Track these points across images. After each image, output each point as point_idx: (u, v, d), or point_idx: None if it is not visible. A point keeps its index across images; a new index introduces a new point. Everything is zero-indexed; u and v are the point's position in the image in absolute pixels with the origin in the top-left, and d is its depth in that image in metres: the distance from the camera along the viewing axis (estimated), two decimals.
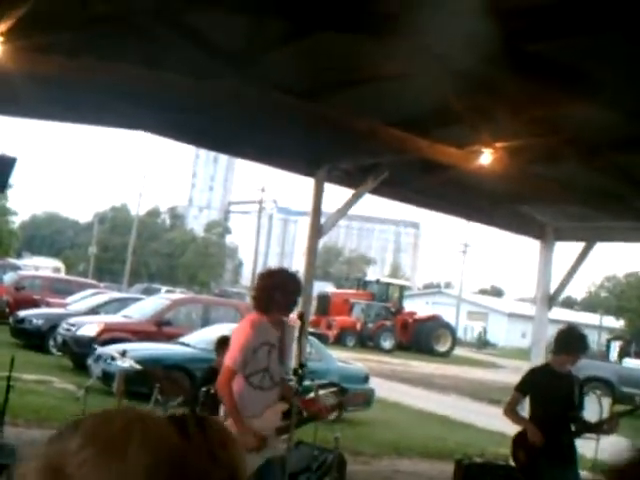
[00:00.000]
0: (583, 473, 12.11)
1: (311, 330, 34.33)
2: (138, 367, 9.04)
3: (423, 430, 14.87)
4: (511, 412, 7.02)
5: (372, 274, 61.28)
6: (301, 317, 5.91)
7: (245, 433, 5.21)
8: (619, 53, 6.21)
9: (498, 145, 8.60)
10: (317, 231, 11.61)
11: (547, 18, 5.92)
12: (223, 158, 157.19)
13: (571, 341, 7.10)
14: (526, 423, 6.88)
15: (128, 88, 8.35)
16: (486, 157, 8.72)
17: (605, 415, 12.59)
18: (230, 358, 5.44)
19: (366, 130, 8.99)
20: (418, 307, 52.50)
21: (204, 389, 7.67)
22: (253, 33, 7.18)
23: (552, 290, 12.29)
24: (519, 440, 6.89)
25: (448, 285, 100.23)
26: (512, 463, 7.41)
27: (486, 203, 11.83)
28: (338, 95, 8.37)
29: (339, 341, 38.52)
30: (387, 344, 40.80)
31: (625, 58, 6.26)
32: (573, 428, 6.97)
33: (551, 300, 12.26)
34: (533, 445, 6.68)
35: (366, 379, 15.56)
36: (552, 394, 6.86)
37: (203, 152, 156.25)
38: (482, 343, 60.24)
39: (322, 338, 33.43)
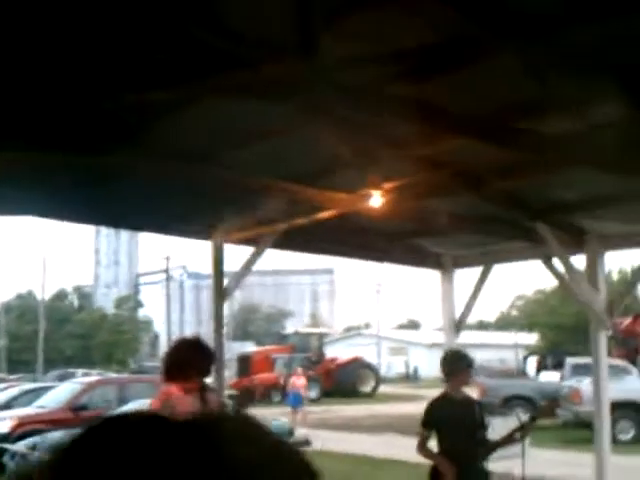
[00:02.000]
0: None
1: (234, 392, 34.34)
2: None
3: (345, 474, 14.90)
4: (422, 449, 7.18)
5: (292, 326, 61.16)
6: (202, 388, 5.79)
7: None
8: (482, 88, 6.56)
9: (386, 186, 8.89)
10: (221, 294, 11.68)
11: (416, 61, 6.21)
12: (125, 232, 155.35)
13: (455, 363, 7.34)
14: (436, 457, 7.05)
15: (12, 172, 8.30)
16: (376, 199, 9.00)
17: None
18: None
19: (258, 187, 9.19)
20: (340, 351, 52.63)
21: None
22: (140, 103, 7.26)
23: (458, 316, 12.65)
24: (433, 475, 7.06)
25: (367, 325, 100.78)
26: None
27: (383, 242, 12.12)
28: (228, 156, 8.51)
29: (265, 399, 38.28)
30: (312, 394, 40.64)
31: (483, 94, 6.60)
32: (484, 450, 7.17)
33: (458, 326, 12.60)
34: (445, 476, 6.87)
35: (290, 433, 15.63)
36: (454, 422, 7.06)
37: (104, 227, 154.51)
38: (407, 377, 60.64)
39: (247, 398, 33.31)
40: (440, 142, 8.02)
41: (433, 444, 7.29)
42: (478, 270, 12.81)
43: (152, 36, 5.72)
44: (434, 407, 7.36)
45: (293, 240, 11.67)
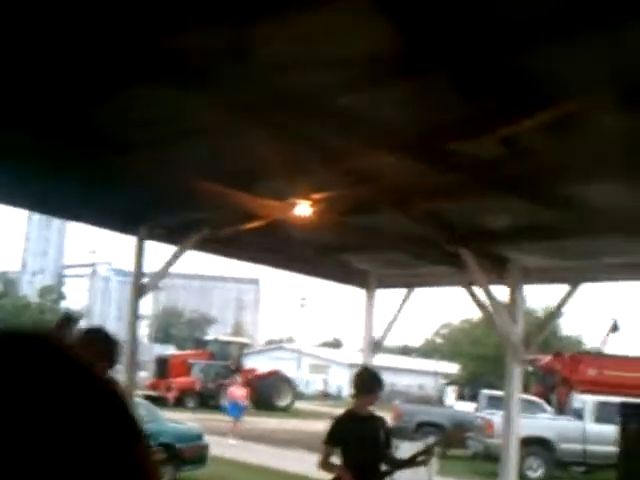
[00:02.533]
0: None
1: (150, 393, 33.92)
2: None
3: None
4: (325, 465, 7.13)
5: (214, 333, 60.79)
6: None
7: None
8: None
9: (315, 197, 8.83)
10: (139, 291, 11.49)
11: (354, 71, 6.14)
12: (56, 221, 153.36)
13: (367, 382, 7.33)
14: (337, 469, 7.00)
15: None
16: (303, 208, 8.94)
17: (435, 461, 12.96)
18: None
19: (186, 185, 9.03)
20: (261, 364, 52.42)
21: None
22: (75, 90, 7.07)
23: (377, 336, 12.63)
24: None
25: (290, 340, 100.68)
26: None
27: (310, 254, 12.03)
28: (157, 150, 8.33)
29: (179, 403, 37.92)
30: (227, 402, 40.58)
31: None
32: (387, 467, 7.13)
33: (376, 346, 12.57)
34: None
35: (199, 437, 15.47)
36: (358, 438, 7.01)
37: (36, 215, 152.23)
38: (326, 395, 60.65)
39: (161, 401, 32.89)
40: (371, 157, 7.98)
41: (336, 461, 7.22)
42: (402, 293, 12.81)
43: (82, 27, 5.58)
44: (339, 423, 7.30)
45: (217, 244, 11.51)
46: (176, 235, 11.17)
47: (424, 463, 7.17)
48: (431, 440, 7.39)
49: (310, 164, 8.19)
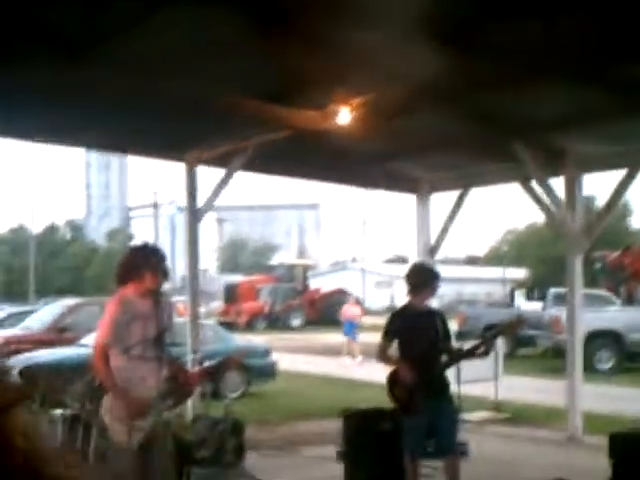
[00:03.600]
0: (487, 413, 12.55)
1: (221, 319, 34.62)
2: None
3: (328, 394, 15.09)
4: (382, 357, 7.22)
5: (280, 259, 61.35)
6: (157, 293, 5.65)
7: (126, 403, 5.29)
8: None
9: (354, 101, 8.71)
10: (195, 215, 11.62)
11: None
12: (115, 164, 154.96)
13: (422, 277, 7.34)
14: (396, 362, 7.07)
15: None
16: (344, 115, 8.83)
17: (500, 358, 13.03)
18: (100, 335, 5.51)
19: (227, 105, 9.00)
20: (326, 284, 52.83)
21: (88, 377, 7.64)
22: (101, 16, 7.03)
23: (432, 242, 12.58)
24: (393, 378, 7.07)
25: (354, 260, 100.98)
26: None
27: (358, 165, 11.95)
28: (195, 74, 8.29)
29: (250, 326, 38.67)
30: (296, 322, 41.38)
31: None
32: (446, 359, 7.18)
33: (432, 251, 12.52)
34: (406, 382, 6.86)
35: (267, 353, 15.80)
36: (415, 331, 7.07)
37: (94, 160, 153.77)
38: (390, 309, 61.01)
39: (232, 326, 33.56)
40: (410, 55, 7.83)
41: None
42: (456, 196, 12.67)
43: None
44: (396, 317, 7.37)
45: (264, 162, 11.51)
46: (224, 158, 11.20)
47: (484, 354, 7.17)
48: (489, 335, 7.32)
49: (347, 69, 8.08)
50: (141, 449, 5.35)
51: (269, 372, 15.50)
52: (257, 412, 12.48)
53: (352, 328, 24.55)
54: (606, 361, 20.20)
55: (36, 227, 70.75)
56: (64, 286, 77.84)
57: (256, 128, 10.04)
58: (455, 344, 7.86)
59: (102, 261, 78.91)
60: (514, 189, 11.50)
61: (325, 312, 43.01)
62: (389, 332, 7.21)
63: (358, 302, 36.21)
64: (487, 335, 7.26)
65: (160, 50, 7.77)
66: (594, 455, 8.96)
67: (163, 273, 5.59)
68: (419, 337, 7.05)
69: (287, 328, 39.88)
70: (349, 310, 26.24)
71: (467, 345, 7.67)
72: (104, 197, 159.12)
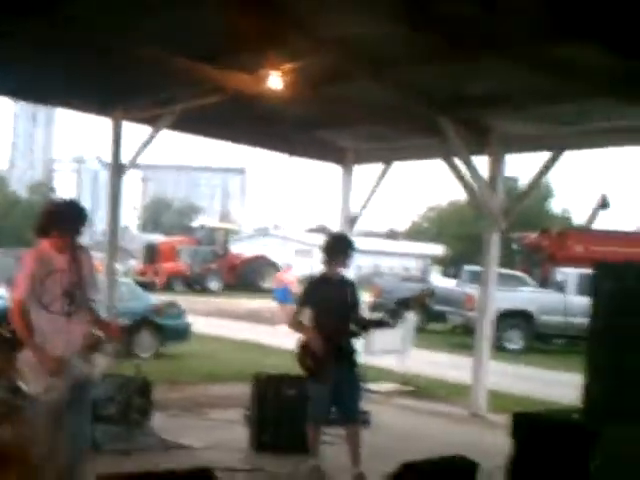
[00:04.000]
0: (393, 385, 12.73)
1: (140, 279, 34.27)
2: None
3: (241, 358, 15.13)
4: (294, 323, 7.31)
5: (202, 222, 60.93)
6: (74, 247, 5.56)
7: (44, 358, 5.24)
8: None
9: (286, 67, 8.65)
10: (118, 170, 11.47)
11: None
12: (41, 116, 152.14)
13: (337, 247, 7.41)
14: (307, 331, 7.14)
15: None
16: (275, 80, 8.76)
17: (410, 331, 13.22)
18: (17, 290, 5.42)
19: (156, 62, 8.86)
20: (248, 249, 52.74)
21: None
22: None
23: (353, 213, 12.66)
24: (303, 347, 7.15)
25: (276, 227, 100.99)
26: None
27: (288, 132, 11.92)
28: (126, 29, 8.14)
29: (168, 287, 38.39)
30: (214, 285, 41.15)
31: None
32: (355, 328, 7.28)
33: (353, 222, 12.60)
34: (317, 351, 6.97)
35: (181, 314, 15.80)
36: (328, 300, 7.16)
37: (22, 111, 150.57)
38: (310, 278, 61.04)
39: (150, 286, 33.28)
40: (343, 23, 7.80)
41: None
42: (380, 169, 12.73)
43: None
44: (311, 285, 7.46)
45: (191, 122, 11.39)
46: (150, 116, 11.07)
47: (390, 325, 7.30)
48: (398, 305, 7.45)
49: (281, 34, 8.03)
50: (58, 405, 5.30)
51: (183, 334, 15.45)
52: (168, 373, 12.43)
53: (287, 294, 24.20)
54: (516, 341, 20.66)
55: None
56: None
57: (185, 88, 9.94)
58: (367, 315, 7.96)
59: (23, 213, 77.25)
60: (438, 164, 11.61)
61: (244, 277, 43.05)
62: (303, 300, 7.27)
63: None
64: (395, 307, 7.37)
65: (93, 2, 7.64)
66: (496, 433, 9.17)
67: (81, 228, 5.52)
68: (332, 306, 7.14)
69: (205, 291, 39.73)
70: (284, 277, 26.15)
71: (377, 316, 7.80)
72: (29, 149, 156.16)
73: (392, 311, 7.46)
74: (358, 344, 7.61)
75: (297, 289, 23.59)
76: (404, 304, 7.37)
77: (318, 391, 7.11)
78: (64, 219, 5.47)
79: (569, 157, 10.71)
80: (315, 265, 45.61)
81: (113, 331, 5.82)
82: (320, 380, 7.04)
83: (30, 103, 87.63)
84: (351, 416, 7.29)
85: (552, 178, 57.97)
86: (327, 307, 7.11)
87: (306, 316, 7.31)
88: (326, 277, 7.32)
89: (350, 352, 7.29)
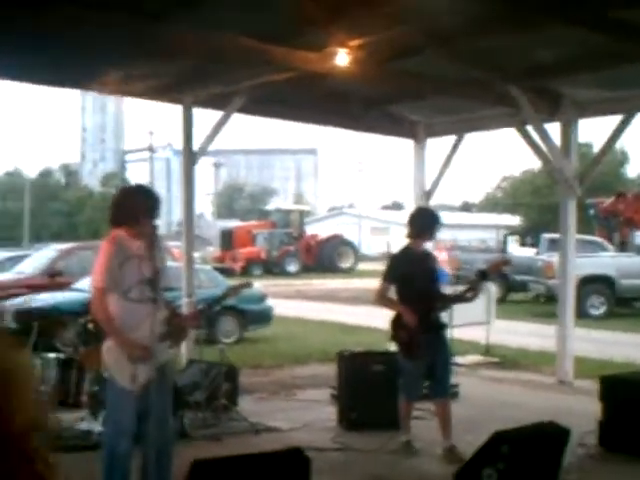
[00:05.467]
0: (478, 357, 12.68)
1: (217, 265, 34.63)
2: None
3: (323, 338, 15.20)
4: (382, 299, 7.28)
5: (276, 205, 61.28)
6: (150, 234, 5.61)
7: (128, 346, 5.28)
8: None
9: (353, 44, 8.62)
10: (191, 157, 11.57)
11: None
12: (110, 107, 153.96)
13: (424, 221, 7.38)
14: (398, 306, 7.12)
15: None
16: (342, 57, 8.74)
17: (492, 303, 13.13)
18: (96, 279, 5.41)
19: (222, 46, 8.90)
20: (323, 230, 52.91)
21: (81, 320, 7.68)
22: None
23: (427, 187, 12.58)
24: (397, 322, 7.11)
25: (351, 205, 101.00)
26: (392, 349, 7.79)
27: (357, 108, 11.88)
28: (194, 15, 8.19)
29: (246, 272, 38.69)
30: (292, 268, 41.35)
31: None
32: (440, 302, 7.27)
33: (427, 196, 12.53)
34: (410, 325, 6.95)
35: (262, 298, 15.82)
36: (415, 275, 7.13)
37: (89, 103, 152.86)
38: (386, 255, 61.04)
39: (228, 272, 33.61)
40: None
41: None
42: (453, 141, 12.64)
43: None
44: (396, 261, 7.42)
45: (261, 104, 11.44)
46: (221, 100, 11.12)
47: (472, 299, 7.22)
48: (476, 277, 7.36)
49: (346, 10, 8.00)
50: (143, 392, 5.34)
51: (265, 317, 15.57)
52: (252, 357, 12.58)
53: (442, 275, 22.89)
54: (598, 306, 20.33)
55: (31, 171, 70.48)
56: (58, 231, 77.87)
57: (253, 69, 9.95)
58: (448, 288, 7.92)
59: (96, 206, 78.71)
60: (511, 135, 11.47)
61: (322, 258, 43.18)
62: (389, 275, 7.25)
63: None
64: (475, 279, 7.31)
65: None
66: (584, 398, 9.11)
67: (156, 214, 5.53)
68: (418, 280, 7.13)
69: (283, 274, 39.95)
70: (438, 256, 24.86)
71: (459, 289, 7.75)
72: (99, 141, 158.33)
73: (472, 282, 7.34)
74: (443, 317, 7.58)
75: (450, 269, 22.98)
76: (482, 275, 7.28)
77: (412, 367, 7.12)
78: (135, 205, 5.48)
79: None
80: (392, 242, 45.72)
81: (190, 319, 5.87)
82: (415, 355, 7.03)
83: (100, 94, 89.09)
84: (443, 390, 7.30)
85: (628, 143, 56.80)
86: (414, 281, 7.10)
87: (392, 292, 7.30)
88: (410, 251, 7.30)
89: (440, 326, 7.28)
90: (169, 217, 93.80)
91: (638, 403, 7.04)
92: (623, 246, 24.11)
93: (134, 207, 5.44)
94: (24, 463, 1.27)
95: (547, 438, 6.13)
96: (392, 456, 7.14)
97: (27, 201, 65.67)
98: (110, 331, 5.38)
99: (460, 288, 7.64)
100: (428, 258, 7.37)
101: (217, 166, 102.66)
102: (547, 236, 24.33)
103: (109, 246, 5.43)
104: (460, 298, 7.31)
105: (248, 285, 6.12)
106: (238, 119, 11.66)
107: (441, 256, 24.31)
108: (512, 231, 40.47)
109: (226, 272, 31.05)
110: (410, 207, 12.11)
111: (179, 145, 11.97)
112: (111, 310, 5.34)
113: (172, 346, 5.66)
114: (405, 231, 7.46)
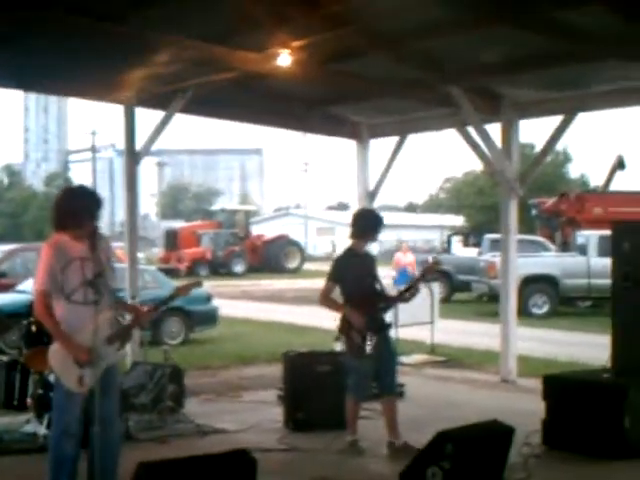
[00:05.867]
0: (423, 356, 12.78)
1: (162, 266, 34.42)
2: None
3: (270, 339, 15.18)
4: (326, 300, 7.29)
5: (222, 205, 61.14)
6: (92, 235, 5.54)
7: (73, 349, 5.22)
8: None
9: (295, 45, 8.63)
10: (133, 157, 11.45)
11: None
12: (53, 108, 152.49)
13: (367, 221, 7.45)
14: (342, 308, 7.16)
15: None
16: (284, 58, 8.76)
17: (436, 303, 13.26)
18: (38, 282, 5.36)
19: (167, 46, 8.87)
20: (269, 230, 52.89)
21: (24, 322, 7.57)
22: None
23: (371, 187, 12.64)
24: (346, 323, 7.12)
25: (297, 206, 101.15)
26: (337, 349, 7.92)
27: (301, 109, 11.91)
28: (137, 14, 8.13)
29: (192, 273, 38.51)
30: (238, 268, 41.32)
31: None
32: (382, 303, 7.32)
33: (371, 196, 12.59)
34: (358, 326, 7.01)
35: (208, 299, 15.76)
36: (359, 275, 7.19)
37: (32, 104, 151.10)
38: (332, 256, 61.03)
39: (173, 272, 33.41)
40: None
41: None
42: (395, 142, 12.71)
43: None
44: (341, 261, 7.46)
45: (204, 104, 11.38)
46: (163, 100, 11.03)
47: (409, 299, 7.30)
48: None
49: (288, 12, 8.01)
50: (89, 395, 5.27)
51: (211, 318, 15.53)
52: (198, 358, 12.54)
53: (406, 277, 22.74)
54: (541, 305, 20.62)
55: None
56: (2, 232, 76.70)
57: (196, 69, 9.91)
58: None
59: (40, 206, 77.63)
60: (452, 136, 11.58)
61: (268, 258, 43.19)
62: (334, 276, 7.27)
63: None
64: (413, 280, 7.42)
65: None
66: (528, 397, 9.21)
67: (97, 215, 5.48)
68: (362, 281, 7.20)
69: (230, 275, 39.88)
70: (403, 258, 24.39)
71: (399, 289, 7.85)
72: (42, 141, 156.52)
73: (411, 283, 7.43)
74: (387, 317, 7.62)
75: (416, 270, 22.30)
76: (420, 276, 7.42)
77: (361, 366, 7.11)
78: (77, 208, 5.41)
79: (585, 121, 10.64)
80: (337, 242, 45.88)
81: (141, 313, 5.80)
82: (364, 355, 7.04)
83: (41, 94, 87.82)
84: (389, 389, 7.33)
85: (570, 143, 57.53)
86: (359, 282, 7.16)
87: (336, 293, 7.33)
88: (354, 252, 7.35)
89: (385, 325, 7.33)
90: (112, 218, 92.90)
91: (580, 402, 7.16)
92: (565, 246, 24.49)
93: (76, 210, 5.38)
94: None
95: (491, 437, 6.21)
96: (339, 456, 7.13)
97: None
98: (55, 334, 5.31)
99: (400, 288, 7.73)
100: (369, 258, 7.45)
101: (161, 165, 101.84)
102: (489, 236, 24.63)
103: (50, 250, 5.36)
104: (399, 298, 7.39)
105: (198, 284, 6.08)
106: (182, 119, 11.56)
107: (407, 258, 24.55)
108: (456, 231, 40.88)
109: (171, 273, 30.90)
110: (355, 208, 12.16)
111: (122, 145, 11.86)
112: (55, 313, 5.29)
113: (120, 348, 5.61)
114: (349, 231, 7.49)
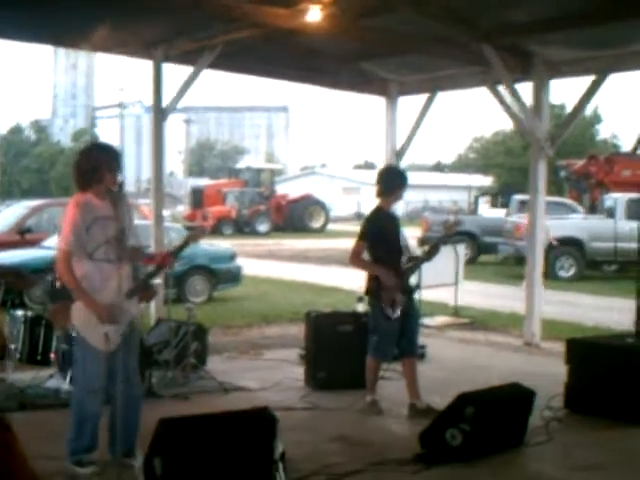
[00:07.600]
0: (447, 318, 12.73)
1: (187, 224, 34.46)
2: None
3: (293, 298, 15.20)
4: (357, 260, 7.24)
5: (247, 163, 61.09)
6: (113, 191, 5.53)
7: (96, 308, 5.24)
8: None
9: (325, 0, 8.55)
10: (160, 114, 11.40)
11: None
12: (82, 64, 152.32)
13: (392, 179, 7.36)
14: (374, 267, 7.11)
15: None
16: (314, 13, 8.66)
17: (461, 264, 13.17)
18: (62, 241, 5.36)
19: (193, 1, 8.79)
20: (295, 189, 52.77)
21: (49, 278, 7.59)
22: None
23: (399, 146, 12.53)
24: (376, 283, 7.07)
25: (323, 165, 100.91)
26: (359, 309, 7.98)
27: (328, 64, 11.78)
28: None
29: (216, 231, 38.52)
30: (263, 227, 41.21)
31: None
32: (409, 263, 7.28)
33: (399, 155, 12.48)
34: (389, 286, 6.98)
35: (232, 257, 15.74)
36: (388, 235, 7.16)
37: (62, 60, 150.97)
38: (357, 215, 60.95)
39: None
40: None
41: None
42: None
43: None
44: (371, 220, 7.36)
45: (232, 60, 11.29)
46: (191, 56, 10.95)
47: (429, 258, 7.24)
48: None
49: None
50: (114, 352, 5.29)
51: (234, 277, 15.47)
52: (222, 316, 12.57)
53: None
54: (568, 269, 20.43)
55: (1, 128, 69.45)
56: (29, 188, 77.24)
57: (225, 25, 9.81)
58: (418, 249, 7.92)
59: (67, 162, 77.98)
60: (482, 94, 11.43)
61: (293, 218, 43.10)
62: (364, 236, 7.20)
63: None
64: (434, 242, 7.35)
65: None
66: (551, 360, 9.17)
67: (117, 168, 5.45)
68: (392, 240, 7.17)
69: (254, 234, 39.85)
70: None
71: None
72: (71, 97, 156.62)
73: (431, 245, 7.37)
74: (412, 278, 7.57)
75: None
76: (440, 238, 7.37)
77: (389, 327, 7.08)
78: (95, 164, 5.39)
79: (617, 81, 10.45)
80: (363, 202, 45.90)
81: (164, 259, 5.78)
82: (393, 315, 7.01)
83: (69, 49, 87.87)
84: (411, 350, 7.30)
85: (601, 104, 56.70)
86: (388, 241, 7.14)
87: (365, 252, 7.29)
88: (382, 211, 7.29)
89: (413, 286, 7.29)
90: (139, 174, 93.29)
91: (603, 366, 7.09)
92: (593, 209, 24.22)
93: (95, 166, 5.38)
94: None
95: (512, 400, 6.18)
96: (359, 415, 7.14)
97: None
98: (78, 293, 5.34)
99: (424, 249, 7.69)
100: (396, 218, 7.44)
101: (187, 123, 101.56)
102: (518, 197, 24.39)
103: (75, 209, 5.36)
104: (425, 258, 7.34)
105: (203, 231, 6.12)
106: (209, 76, 11.48)
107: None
108: (483, 192, 40.62)
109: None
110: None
111: (150, 101, 11.78)
112: (78, 272, 5.29)
113: (140, 302, 5.61)
114: (375, 190, 7.41)
